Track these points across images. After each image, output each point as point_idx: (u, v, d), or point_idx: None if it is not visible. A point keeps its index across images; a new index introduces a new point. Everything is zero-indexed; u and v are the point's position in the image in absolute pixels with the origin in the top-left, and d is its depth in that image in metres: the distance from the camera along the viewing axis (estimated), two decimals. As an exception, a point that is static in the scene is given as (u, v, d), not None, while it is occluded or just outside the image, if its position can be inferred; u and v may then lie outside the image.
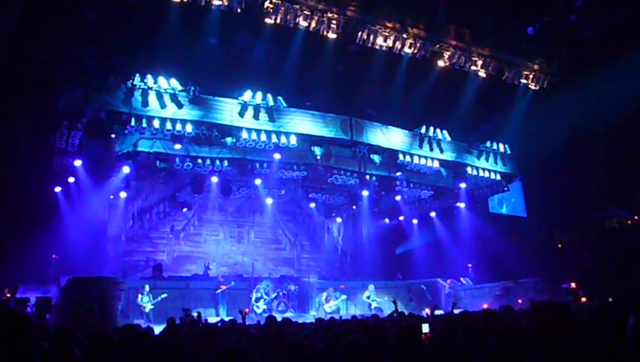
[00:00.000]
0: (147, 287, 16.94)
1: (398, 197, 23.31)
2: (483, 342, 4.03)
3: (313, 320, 11.17)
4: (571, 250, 20.73)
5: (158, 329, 6.92)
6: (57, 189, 17.85)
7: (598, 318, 3.64)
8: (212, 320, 13.13)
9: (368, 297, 20.00)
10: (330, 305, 19.14)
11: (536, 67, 19.77)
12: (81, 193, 17.77)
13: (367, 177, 20.89)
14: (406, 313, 11.13)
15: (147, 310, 16.36)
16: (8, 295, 13.23)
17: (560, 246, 21.30)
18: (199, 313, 11.01)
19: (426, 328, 5.05)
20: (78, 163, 16.83)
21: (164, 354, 4.21)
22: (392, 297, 20.71)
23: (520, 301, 16.28)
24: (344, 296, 19.63)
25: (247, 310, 10.32)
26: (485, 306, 15.41)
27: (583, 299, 15.73)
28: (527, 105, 20.39)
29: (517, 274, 19.57)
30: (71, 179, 17.52)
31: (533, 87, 19.98)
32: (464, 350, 4.28)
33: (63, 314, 13.88)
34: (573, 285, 17.78)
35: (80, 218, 17.89)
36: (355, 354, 3.35)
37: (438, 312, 13.84)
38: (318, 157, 18.69)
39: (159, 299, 16.54)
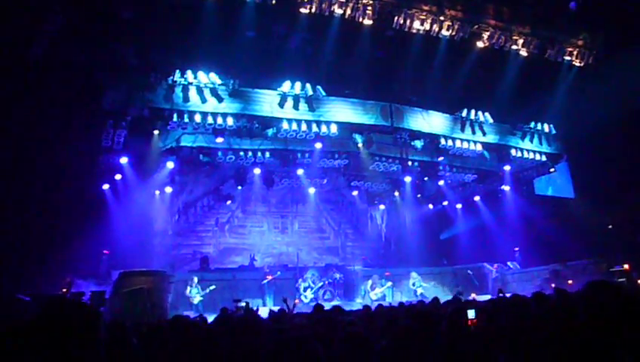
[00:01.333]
0: (195, 279, 17.25)
1: (441, 182, 23.07)
2: (535, 326, 3.96)
3: (360, 308, 11.19)
4: (622, 230, 20.09)
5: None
6: (105, 186, 18.32)
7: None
8: (260, 310, 13.29)
9: (414, 284, 19.91)
10: (376, 293, 19.14)
11: (580, 43, 19.15)
12: (127, 189, 18.21)
13: (410, 163, 20.76)
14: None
15: (196, 301, 16.68)
16: (64, 290, 13.76)
17: (610, 226, 20.66)
18: (247, 303, 11.16)
19: (471, 314, 4.96)
20: (123, 160, 17.26)
21: (216, 341, 4.29)
22: (439, 283, 20.71)
23: (570, 281, 15.91)
24: (390, 283, 19.59)
25: (296, 301, 10.40)
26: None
27: (639, 281, 15.27)
28: (571, 82, 19.78)
29: (566, 257, 19.12)
30: (118, 176, 17.96)
31: (577, 64, 19.36)
32: (513, 335, 4.21)
33: (115, 307, 14.28)
34: (626, 266, 17.24)
35: (128, 214, 18.33)
36: (405, 339, 3.36)
37: (485, 298, 13.69)
38: (360, 145, 18.66)
39: (208, 290, 16.83)
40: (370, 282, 19.78)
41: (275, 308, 13.01)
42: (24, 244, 14.00)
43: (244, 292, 17.57)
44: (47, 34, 13.93)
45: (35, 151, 14.42)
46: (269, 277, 18.59)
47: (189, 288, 17.05)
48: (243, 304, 11.60)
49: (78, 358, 2.02)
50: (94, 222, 16.66)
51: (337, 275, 20.13)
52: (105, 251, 17.91)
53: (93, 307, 2.24)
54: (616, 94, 17.80)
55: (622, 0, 17.14)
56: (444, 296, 13.30)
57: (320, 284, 19.40)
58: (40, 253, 14.50)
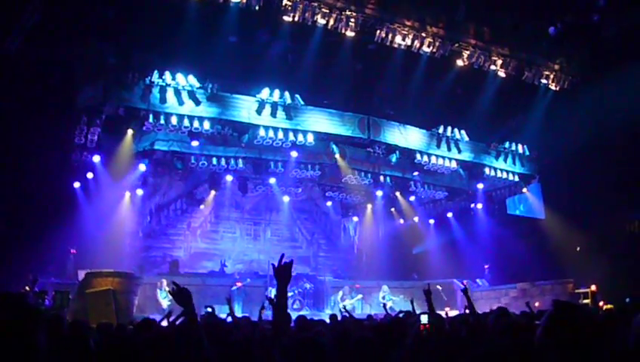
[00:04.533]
0: (164, 282, 17.04)
1: (412, 198, 23.24)
2: (489, 338, 4.00)
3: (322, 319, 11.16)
4: (590, 253, 20.42)
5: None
6: (76, 185, 18.05)
7: (614, 321, 3.58)
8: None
9: (384, 297, 19.93)
10: (346, 304, 19.11)
11: (556, 67, 19.53)
12: (99, 188, 17.97)
13: (382, 178, 20.84)
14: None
15: (165, 306, 16.41)
16: (27, 288, 13.45)
17: (578, 248, 21.01)
18: (213, 308, 11.03)
19: (424, 319, 5.06)
20: (96, 159, 17.04)
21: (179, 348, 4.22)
22: (408, 297, 20.75)
23: (537, 303, 16.09)
24: (360, 296, 19.58)
25: (263, 309, 10.29)
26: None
27: (601, 304, 15.48)
28: (547, 105, 20.13)
29: (534, 276, 19.37)
30: (90, 175, 17.72)
31: (553, 88, 19.72)
32: (464, 343, 4.28)
33: (80, 307, 14.03)
34: (593, 288, 17.52)
35: (98, 213, 18.09)
36: (363, 350, 3.36)
37: (453, 313, 13.74)
38: (337, 155, 18.66)
39: None
40: (340, 293, 19.74)
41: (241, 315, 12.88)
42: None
43: (212, 298, 17.32)
44: (24, 29, 13.71)
45: (4, 145, 14.15)
46: (239, 284, 18.46)
47: (158, 291, 16.83)
48: (209, 309, 11.47)
49: None
50: (63, 220, 16.40)
51: (307, 285, 20.06)
52: (72, 250, 17.63)
53: (32, 306, 2.12)
54: (590, 119, 18.17)
55: (598, 27, 17.54)
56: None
57: (290, 294, 19.29)
58: (5, 250, 14.19)
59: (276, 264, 3.47)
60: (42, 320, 1.98)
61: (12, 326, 1.92)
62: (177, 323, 6.64)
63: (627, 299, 10.27)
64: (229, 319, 8.25)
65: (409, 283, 22.07)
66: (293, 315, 8.15)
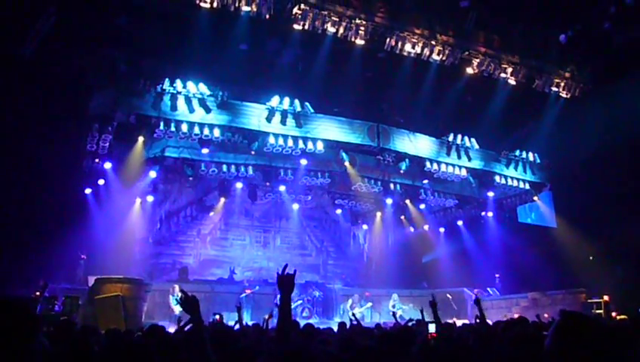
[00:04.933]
0: (177, 288, 17.08)
1: (422, 206, 23.17)
2: (497, 349, 3.98)
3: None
4: (602, 261, 20.23)
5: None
6: (87, 191, 18.17)
7: (627, 332, 3.53)
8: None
9: (394, 306, 19.85)
10: (355, 312, 19.04)
11: (567, 75, 19.41)
12: (110, 195, 18.08)
13: (392, 186, 20.79)
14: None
15: (177, 312, 16.39)
16: (37, 293, 13.53)
17: (591, 258, 20.82)
18: (221, 315, 11.06)
19: (432, 328, 5.06)
20: (108, 165, 17.17)
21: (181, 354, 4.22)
22: (418, 306, 20.70)
23: (546, 315, 15.94)
24: (369, 304, 19.52)
25: (270, 316, 10.28)
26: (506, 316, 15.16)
27: (614, 314, 15.31)
28: (558, 113, 20.01)
29: (545, 286, 19.20)
30: (101, 182, 17.84)
31: (564, 95, 19.59)
32: (472, 353, 4.24)
33: (89, 313, 14.10)
34: (605, 298, 17.32)
35: (109, 220, 18.19)
36: (366, 360, 3.35)
37: (460, 322, 13.67)
38: (347, 163, 18.62)
39: None
40: (350, 301, 19.68)
41: (251, 323, 12.87)
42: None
43: (221, 305, 17.37)
44: (40, 33, 13.89)
45: (17, 151, 14.29)
46: (248, 291, 18.46)
47: (171, 297, 16.86)
48: (217, 316, 11.50)
49: None
50: (74, 227, 16.50)
51: (317, 293, 20.04)
52: (82, 256, 17.72)
53: (32, 312, 2.14)
54: (601, 127, 18.05)
55: (609, 35, 17.46)
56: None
57: (299, 302, 19.28)
58: (16, 255, 14.30)
59: (280, 273, 3.48)
60: (41, 325, 2.01)
61: (10, 331, 1.94)
62: (185, 329, 6.65)
63: (640, 309, 10.16)
64: (237, 326, 8.27)
65: (418, 292, 22.00)
66: (302, 323, 8.14)
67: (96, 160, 17.16)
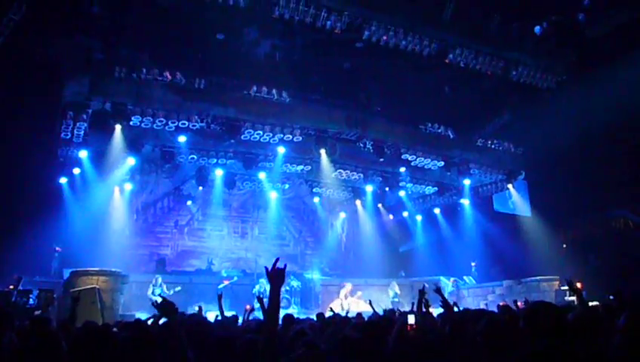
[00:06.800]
0: (160, 279, 17.01)
1: (402, 193, 23.29)
2: (470, 337, 4.05)
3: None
4: (576, 250, 20.61)
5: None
6: (62, 180, 17.90)
7: (588, 321, 3.61)
8: (212, 314, 13.16)
9: (395, 295, 20.25)
10: (350, 302, 19.35)
11: (543, 66, 19.60)
12: (86, 185, 17.81)
13: (371, 173, 20.90)
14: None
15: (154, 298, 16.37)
16: (11, 287, 13.33)
17: (564, 245, 21.19)
18: (200, 307, 11.02)
19: (411, 319, 5.12)
20: (83, 154, 16.90)
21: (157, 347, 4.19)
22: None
23: (520, 303, 16.21)
24: (359, 293, 19.82)
25: (248, 306, 10.30)
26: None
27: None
28: (533, 104, 20.24)
29: (520, 274, 19.49)
30: (76, 171, 17.56)
31: (539, 86, 19.81)
32: (447, 341, 4.32)
33: (65, 306, 13.93)
34: (579, 285, 17.61)
35: (85, 210, 17.94)
36: (349, 349, 3.37)
37: (439, 311, 13.80)
38: (322, 152, 18.65)
39: (172, 291, 16.57)
40: (343, 291, 20.05)
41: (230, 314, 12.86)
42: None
43: (200, 296, 17.35)
44: (10, 23, 13.56)
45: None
46: (226, 282, 18.42)
47: (152, 287, 16.76)
48: (196, 308, 11.44)
49: None
50: (48, 217, 16.27)
51: (295, 283, 20.07)
52: (57, 248, 17.47)
53: (1, 308, 2.11)
54: (575, 118, 18.28)
55: (583, 27, 17.65)
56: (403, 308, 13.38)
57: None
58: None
59: (270, 267, 3.50)
60: (11, 321, 1.97)
61: None
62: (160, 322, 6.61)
63: (610, 297, 10.33)
64: (219, 317, 8.27)
65: (396, 281, 22.14)
66: (281, 313, 8.15)
67: (71, 148, 16.87)
